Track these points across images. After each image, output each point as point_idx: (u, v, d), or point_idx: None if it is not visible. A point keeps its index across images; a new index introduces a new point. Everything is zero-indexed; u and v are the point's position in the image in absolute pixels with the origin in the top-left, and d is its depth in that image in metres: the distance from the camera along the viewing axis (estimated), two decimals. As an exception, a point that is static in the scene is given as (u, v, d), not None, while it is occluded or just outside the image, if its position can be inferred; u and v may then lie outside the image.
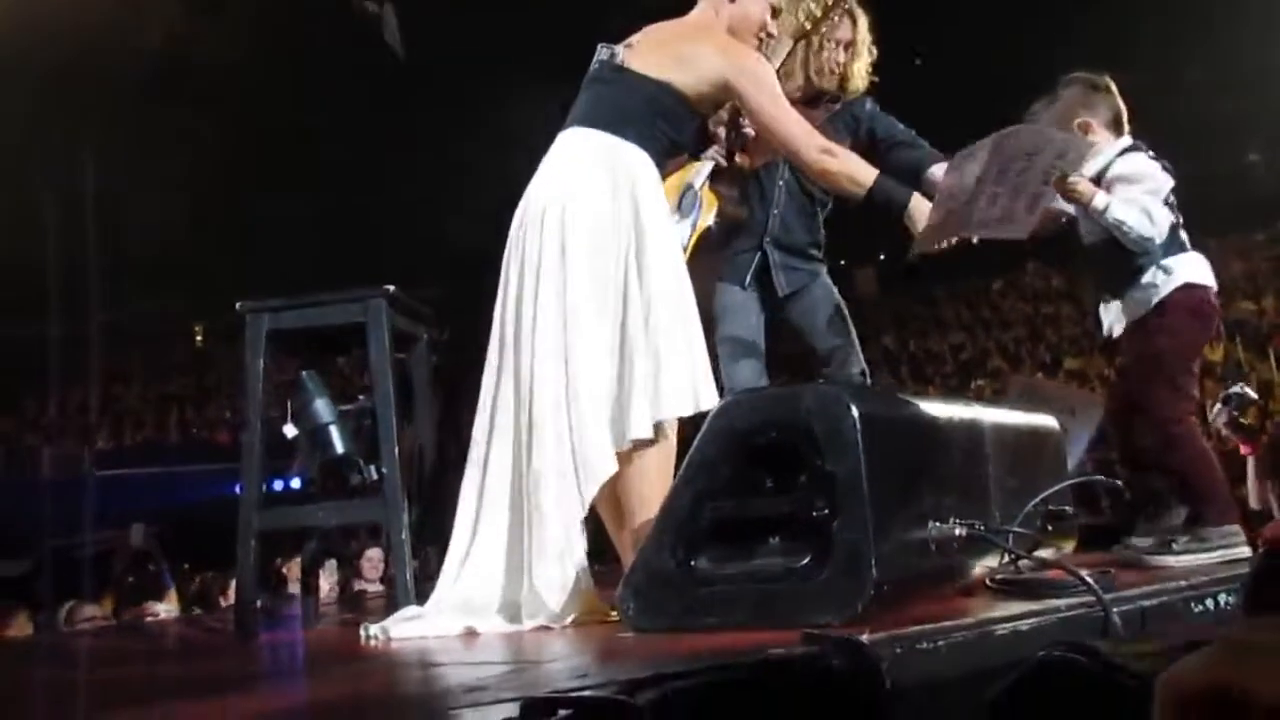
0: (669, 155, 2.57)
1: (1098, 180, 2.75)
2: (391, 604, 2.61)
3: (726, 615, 1.89)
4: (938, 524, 2.04)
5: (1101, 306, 2.83)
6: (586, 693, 1.27)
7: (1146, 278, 2.70)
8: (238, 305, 2.92)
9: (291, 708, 1.76)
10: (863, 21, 3.31)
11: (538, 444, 2.29)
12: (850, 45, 3.30)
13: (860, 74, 3.31)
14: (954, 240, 2.80)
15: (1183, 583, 2.05)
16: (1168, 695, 0.96)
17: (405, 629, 2.30)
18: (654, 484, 2.29)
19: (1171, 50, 16.60)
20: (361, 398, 2.92)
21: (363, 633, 2.32)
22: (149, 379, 20.07)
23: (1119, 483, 2.77)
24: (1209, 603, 1.96)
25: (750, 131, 2.98)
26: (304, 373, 2.85)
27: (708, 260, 3.05)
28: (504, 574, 2.30)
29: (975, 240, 2.82)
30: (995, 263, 21.21)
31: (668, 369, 2.32)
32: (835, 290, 3.55)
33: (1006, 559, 2.26)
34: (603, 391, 2.31)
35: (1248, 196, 19.22)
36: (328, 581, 4.65)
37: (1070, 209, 2.80)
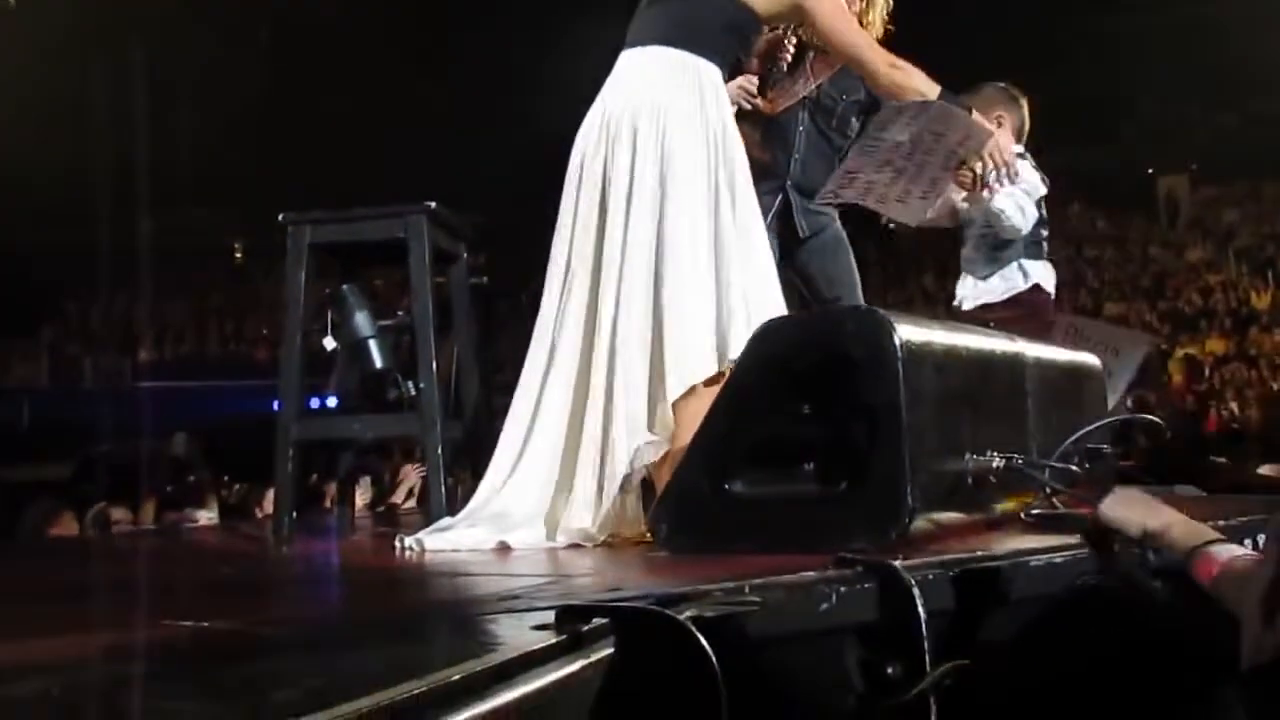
0: (735, 74, 2.53)
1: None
2: (426, 519, 2.64)
3: (760, 538, 1.89)
4: (975, 456, 2.03)
5: (960, 280, 3.25)
6: (624, 604, 1.28)
7: (1006, 271, 3.19)
8: (280, 216, 2.93)
9: (324, 614, 1.79)
10: None
11: (622, 362, 2.26)
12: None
13: (877, 23, 3.26)
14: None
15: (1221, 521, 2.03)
16: None
17: (440, 540, 2.32)
18: (706, 405, 2.27)
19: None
20: (401, 313, 2.93)
21: (397, 544, 2.35)
22: (190, 293, 20.28)
23: (1158, 421, 2.74)
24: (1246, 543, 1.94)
25: (785, 67, 3.00)
26: (345, 286, 2.86)
27: None
28: (547, 490, 2.30)
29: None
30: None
31: (760, 301, 2.31)
32: (846, 238, 3.51)
33: (1044, 494, 2.25)
34: (702, 311, 2.28)
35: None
36: (362, 497, 4.72)
37: (959, 197, 3.13)
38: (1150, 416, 2.83)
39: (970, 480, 2.01)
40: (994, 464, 2.04)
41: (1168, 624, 1.58)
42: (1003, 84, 3.33)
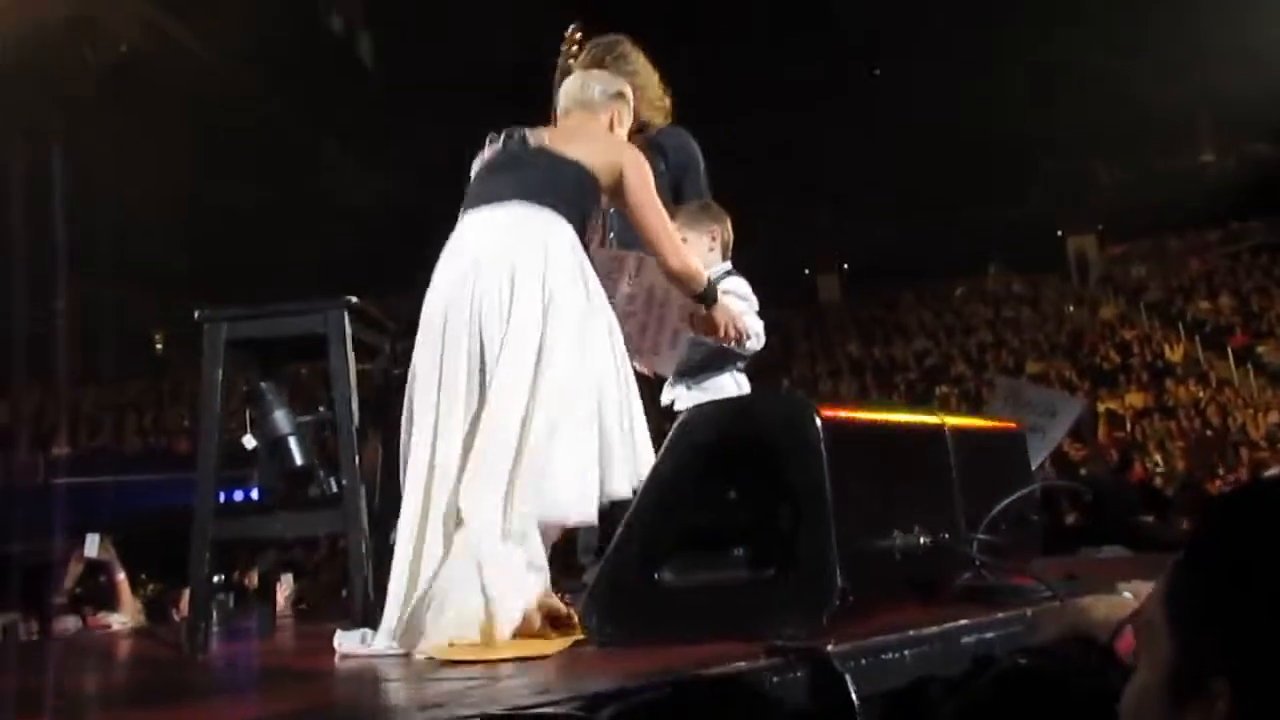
0: (581, 233, 2.63)
1: None
2: (351, 616, 2.57)
3: (691, 627, 1.87)
4: (902, 533, 2.04)
5: (670, 383, 3.32)
6: (548, 709, 1.25)
7: (722, 378, 3.30)
8: (196, 314, 2.88)
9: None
10: (630, 65, 3.43)
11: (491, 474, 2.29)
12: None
13: (650, 110, 3.48)
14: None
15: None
16: None
17: (356, 647, 2.28)
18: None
19: (1124, 46, 16.87)
20: (322, 409, 2.87)
21: (335, 642, 2.31)
22: (107, 385, 19.79)
23: (1079, 487, 2.79)
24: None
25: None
26: (262, 383, 2.80)
27: None
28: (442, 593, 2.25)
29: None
30: (957, 267, 21.48)
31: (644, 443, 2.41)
32: None
33: (973, 566, 2.26)
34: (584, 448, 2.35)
35: (1201, 195, 19.58)
36: (284, 594, 4.59)
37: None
38: (1070, 484, 2.86)
39: (899, 556, 2.02)
40: (920, 539, 2.05)
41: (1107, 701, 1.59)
42: (706, 201, 3.52)
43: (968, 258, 21.39)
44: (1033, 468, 3.46)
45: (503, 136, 2.72)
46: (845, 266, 24.26)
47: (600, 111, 2.84)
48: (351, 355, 2.76)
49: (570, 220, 2.54)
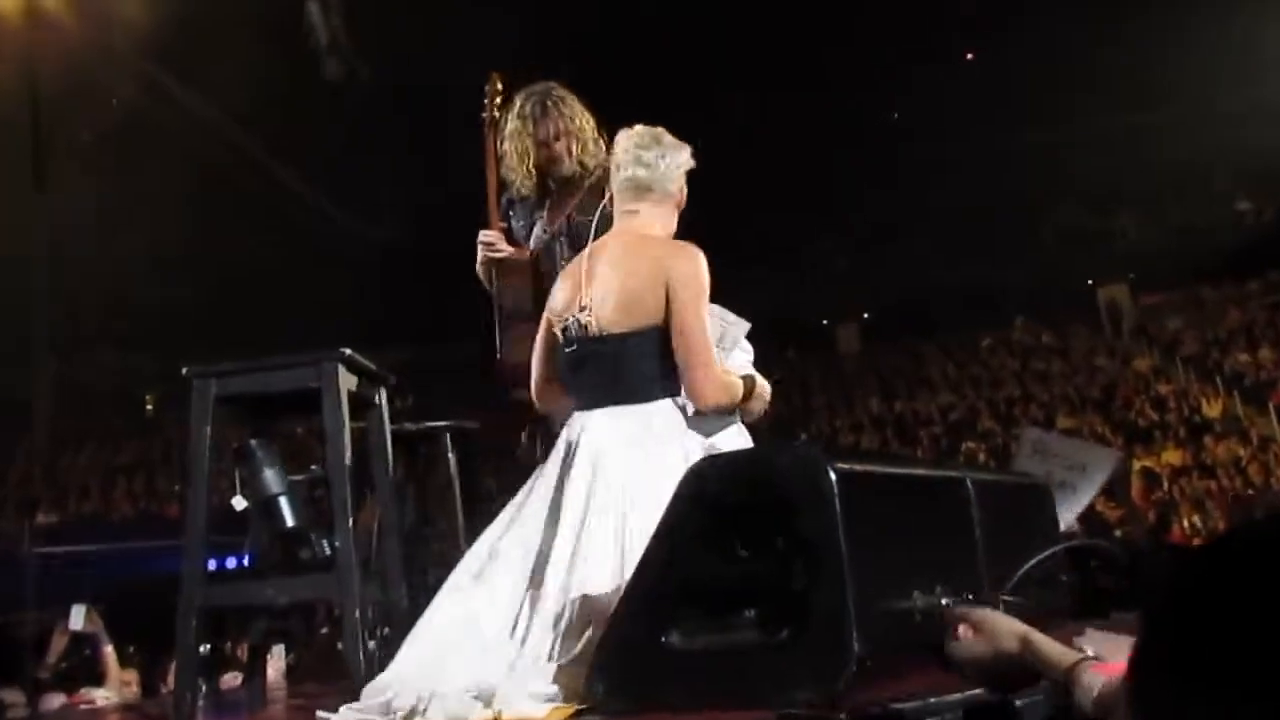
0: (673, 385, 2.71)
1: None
2: (345, 689, 2.55)
3: (701, 693, 1.85)
4: (923, 593, 2.02)
5: None
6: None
7: (728, 430, 3.26)
8: (184, 370, 2.90)
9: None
10: (562, 113, 3.58)
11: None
12: (562, 135, 3.58)
13: (586, 155, 3.60)
14: None
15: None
16: None
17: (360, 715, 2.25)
18: None
19: (1160, 96, 17.04)
20: (315, 467, 2.88)
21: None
22: (97, 448, 19.84)
23: (1111, 547, 2.76)
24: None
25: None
26: (252, 441, 2.81)
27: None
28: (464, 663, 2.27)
29: None
30: (982, 317, 21.49)
31: None
32: None
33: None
34: None
35: (1239, 243, 19.61)
36: (275, 667, 4.55)
37: None
38: (1101, 543, 2.84)
39: (919, 618, 2.00)
40: (941, 600, 2.03)
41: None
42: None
43: (994, 307, 21.41)
44: (1062, 528, 3.44)
45: (560, 328, 2.76)
46: (865, 316, 24.29)
47: (672, 188, 2.87)
48: (346, 410, 2.77)
49: (659, 395, 2.64)
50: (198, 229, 15.23)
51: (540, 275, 3.53)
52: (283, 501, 2.78)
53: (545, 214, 3.64)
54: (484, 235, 3.60)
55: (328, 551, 2.75)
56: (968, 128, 17.82)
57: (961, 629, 1.68)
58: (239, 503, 2.82)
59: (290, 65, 13.76)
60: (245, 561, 3.84)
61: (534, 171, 3.60)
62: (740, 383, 2.72)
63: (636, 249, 2.76)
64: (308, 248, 17.07)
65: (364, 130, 15.53)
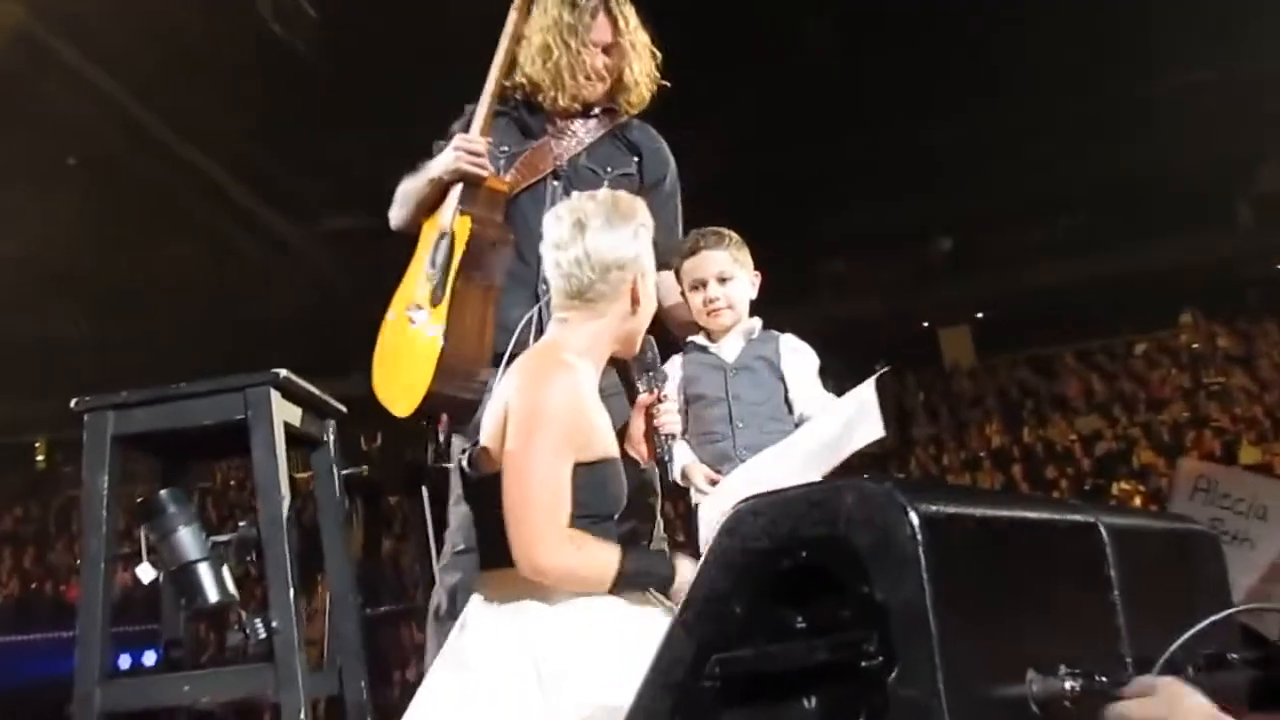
0: None
1: None
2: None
3: (747, 811, 1.85)
4: (1040, 673, 2.01)
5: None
6: None
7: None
8: (73, 402, 2.94)
9: None
10: (627, 21, 3.77)
11: None
12: (613, 48, 3.76)
13: (635, 82, 3.81)
14: None
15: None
16: None
17: None
18: None
19: None
20: (244, 524, 2.92)
21: None
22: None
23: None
24: None
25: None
26: (162, 493, 2.85)
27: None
28: None
29: None
30: (1137, 316, 21.35)
31: None
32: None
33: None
34: None
35: None
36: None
37: None
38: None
39: (1036, 708, 1.99)
40: (1066, 685, 2.02)
41: None
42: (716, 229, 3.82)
43: (1151, 303, 21.26)
44: (1236, 593, 3.41)
45: (456, 464, 3.06)
46: (979, 316, 24.17)
47: (612, 289, 3.10)
48: (282, 448, 2.80)
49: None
50: (91, 234, 15.41)
51: (506, 226, 3.67)
52: (202, 570, 2.81)
53: (541, 146, 3.76)
54: (467, 140, 3.64)
55: (262, 634, 2.77)
56: (1117, 68, 17.70)
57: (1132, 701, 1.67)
58: (145, 573, 2.85)
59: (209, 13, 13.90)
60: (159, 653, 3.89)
61: (582, 82, 3.74)
62: (595, 561, 2.89)
63: (511, 373, 3.01)
64: (237, 254, 17.25)
65: (312, 100, 15.67)
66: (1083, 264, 21.13)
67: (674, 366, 3.75)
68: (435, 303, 3.54)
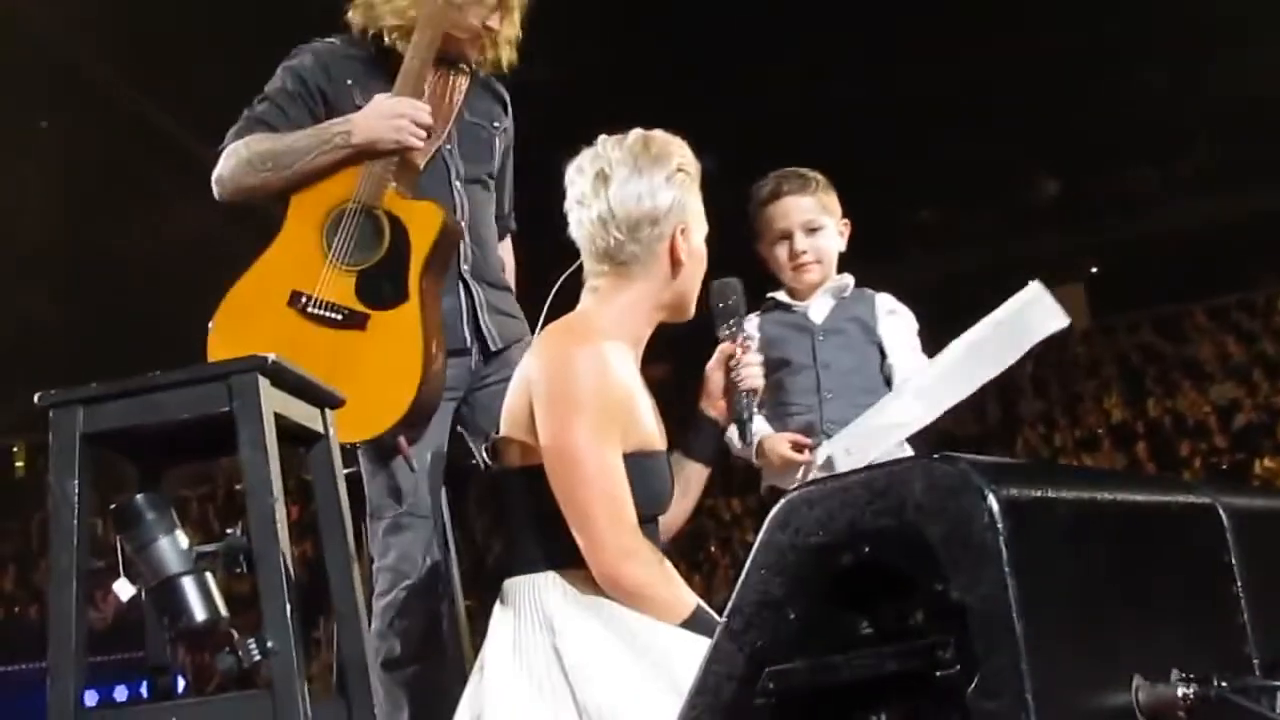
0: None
1: None
2: None
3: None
4: (1147, 680, 2.00)
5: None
6: None
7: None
8: (37, 396, 2.96)
9: None
10: None
11: None
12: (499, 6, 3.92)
13: (505, 41, 4.00)
14: None
15: None
16: None
17: None
18: None
19: None
20: (232, 531, 2.93)
21: None
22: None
23: None
24: None
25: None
26: (138, 498, 2.87)
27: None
28: None
29: None
30: (1278, 266, 21.10)
31: None
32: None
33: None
34: None
35: None
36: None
37: None
38: None
39: (1143, 718, 1.99)
40: (1180, 692, 2.01)
41: None
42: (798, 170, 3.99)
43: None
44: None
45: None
46: (1094, 270, 24.00)
47: (646, 249, 3.16)
48: (274, 441, 2.81)
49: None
50: (66, 213, 15.57)
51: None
52: (187, 585, 2.82)
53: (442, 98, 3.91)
54: (416, 108, 3.74)
55: (257, 656, 2.79)
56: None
57: None
58: (123, 589, 2.87)
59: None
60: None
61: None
62: (673, 580, 3.03)
63: (532, 350, 3.16)
64: (223, 232, 17.37)
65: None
66: (1211, 205, 20.91)
67: (750, 326, 3.74)
68: (387, 304, 3.65)
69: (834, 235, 3.87)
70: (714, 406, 3.36)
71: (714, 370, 3.36)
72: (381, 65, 3.94)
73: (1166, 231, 21.55)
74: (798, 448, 3.64)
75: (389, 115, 3.67)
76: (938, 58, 18.57)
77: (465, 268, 3.90)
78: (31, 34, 14.56)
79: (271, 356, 2.89)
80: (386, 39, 3.91)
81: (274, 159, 3.74)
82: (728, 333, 3.37)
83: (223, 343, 3.72)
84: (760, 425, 3.60)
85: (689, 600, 2.97)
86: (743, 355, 3.33)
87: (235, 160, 3.79)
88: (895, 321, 3.87)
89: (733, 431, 3.49)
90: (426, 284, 3.67)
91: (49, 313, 17.46)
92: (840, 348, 3.78)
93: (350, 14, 4.00)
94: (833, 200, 3.87)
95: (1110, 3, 17.98)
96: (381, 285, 3.67)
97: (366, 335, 3.64)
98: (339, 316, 3.68)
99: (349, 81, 3.91)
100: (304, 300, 3.72)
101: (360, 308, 3.68)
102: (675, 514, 3.31)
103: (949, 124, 19.76)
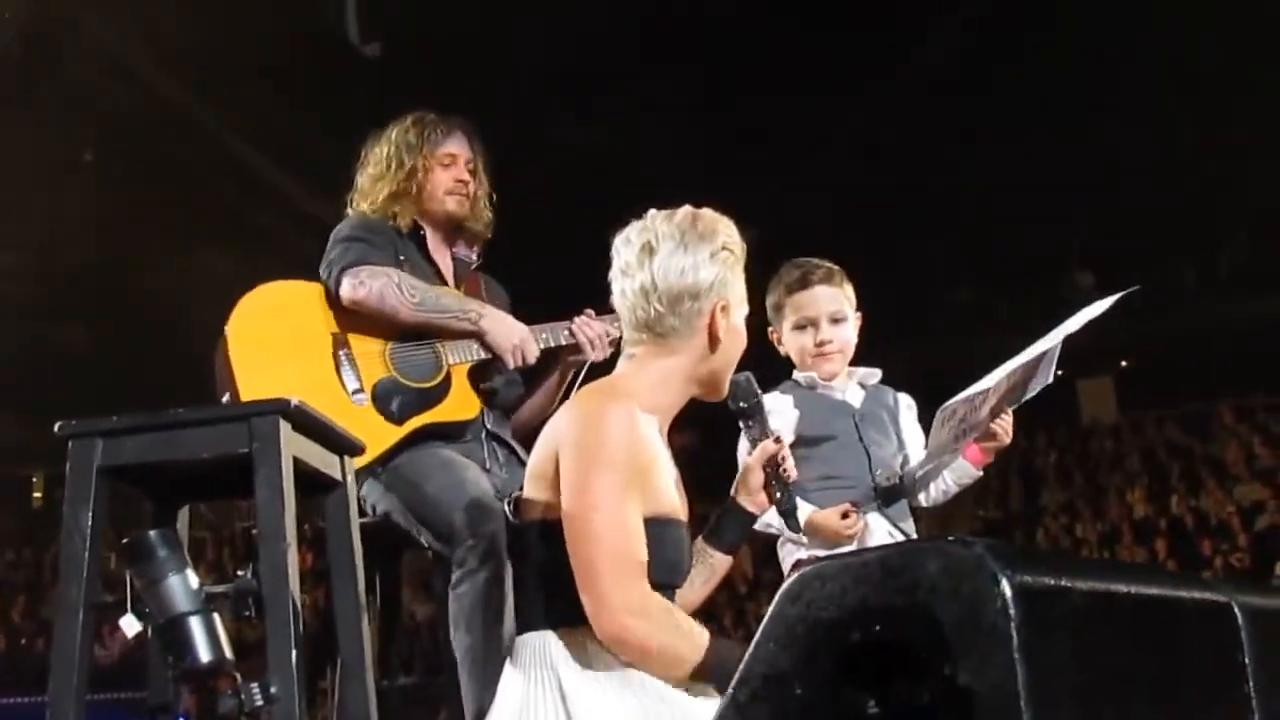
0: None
1: None
2: None
3: None
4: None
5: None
6: None
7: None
8: (56, 426, 2.98)
9: None
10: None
11: None
12: (457, 161, 4.31)
13: (483, 198, 4.37)
14: None
15: None
16: None
17: None
18: None
19: None
20: (242, 572, 2.93)
21: None
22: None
23: None
24: None
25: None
26: (151, 534, 2.87)
27: None
28: None
29: None
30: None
31: None
32: None
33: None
34: None
35: None
36: None
37: None
38: None
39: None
40: (1187, 792, 2.00)
41: None
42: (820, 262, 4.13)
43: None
44: None
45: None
46: (1124, 365, 23.93)
47: (685, 323, 3.16)
48: (291, 486, 2.82)
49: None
50: (102, 233, 15.66)
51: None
52: (194, 624, 2.82)
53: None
54: (532, 348, 4.16)
55: (259, 701, 2.78)
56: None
57: None
58: (130, 625, 2.87)
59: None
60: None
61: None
62: (679, 631, 2.95)
63: (564, 408, 3.17)
64: (270, 257, 17.47)
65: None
66: (1244, 303, 20.86)
67: (781, 403, 3.82)
68: (388, 416, 3.96)
69: (853, 327, 3.97)
70: (753, 501, 3.37)
71: (755, 468, 3.36)
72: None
73: (1197, 328, 21.50)
74: (844, 515, 3.77)
75: (514, 333, 4.04)
76: (974, 147, 18.64)
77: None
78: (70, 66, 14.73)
79: (295, 400, 2.90)
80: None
81: (419, 294, 4.04)
82: (756, 432, 3.38)
83: (243, 330, 3.94)
84: (802, 506, 3.64)
85: (698, 650, 2.92)
86: (784, 451, 3.35)
87: (385, 280, 4.04)
88: (913, 418, 4.07)
89: (772, 517, 3.53)
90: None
91: (83, 345, 17.53)
92: (877, 431, 3.95)
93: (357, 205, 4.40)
94: (852, 293, 3.98)
95: (1154, 101, 18.00)
96: (399, 402, 3.93)
97: (355, 414, 3.81)
98: (350, 386, 3.92)
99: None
100: (344, 350, 3.96)
101: (367, 394, 3.93)
102: (691, 600, 3.30)
103: (985, 212, 19.81)
